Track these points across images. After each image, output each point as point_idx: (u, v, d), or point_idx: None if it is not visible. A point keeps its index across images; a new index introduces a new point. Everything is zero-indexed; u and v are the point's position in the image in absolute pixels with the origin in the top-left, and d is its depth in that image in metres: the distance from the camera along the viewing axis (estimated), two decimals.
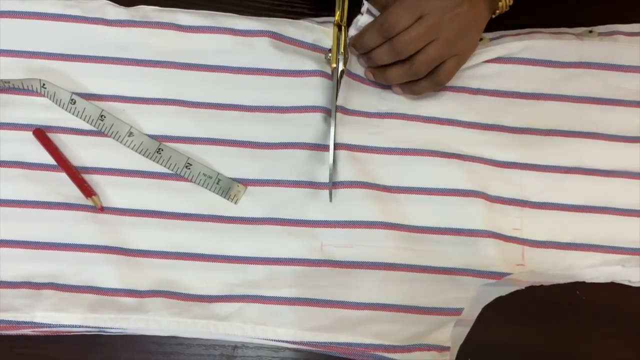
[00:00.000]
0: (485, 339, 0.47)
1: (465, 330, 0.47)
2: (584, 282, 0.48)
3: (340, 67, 0.47)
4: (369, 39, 0.47)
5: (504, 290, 0.48)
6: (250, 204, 0.49)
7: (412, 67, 0.46)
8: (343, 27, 0.47)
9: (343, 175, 0.49)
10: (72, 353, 0.47)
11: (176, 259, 0.48)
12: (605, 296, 0.48)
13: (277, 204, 0.49)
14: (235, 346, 0.47)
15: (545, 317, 0.48)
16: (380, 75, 0.49)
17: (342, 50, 0.47)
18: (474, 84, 0.52)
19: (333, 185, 0.48)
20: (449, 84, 0.51)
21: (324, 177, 0.48)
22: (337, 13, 0.47)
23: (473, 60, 0.51)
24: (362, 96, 0.51)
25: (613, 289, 0.48)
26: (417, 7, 0.44)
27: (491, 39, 0.52)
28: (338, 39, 0.47)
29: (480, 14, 0.47)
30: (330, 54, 0.48)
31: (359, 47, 0.48)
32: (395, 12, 0.45)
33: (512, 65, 0.51)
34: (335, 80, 0.47)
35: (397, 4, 0.45)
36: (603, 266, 0.48)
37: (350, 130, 0.50)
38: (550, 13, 0.54)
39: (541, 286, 0.48)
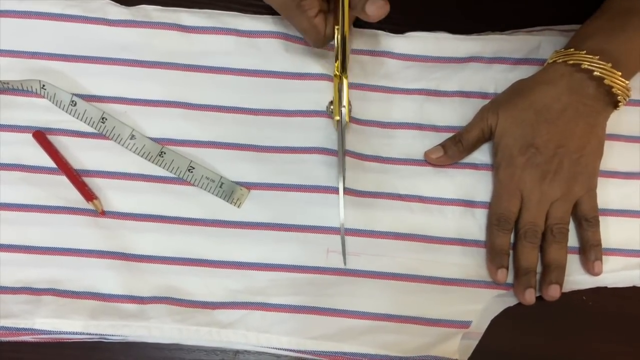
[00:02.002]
0: (490, 346, 0.46)
1: (473, 343, 0.45)
2: (589, 289, 0.47)
3: (344, 120, 0.45)
4: (500, 242, 0.46)
5: (513, 301, 0.46)
6: (254, 208, 0.47)
7: (556, 236, 0.45)
8: (344, 77, 0.45)
9: (354, 184, 0.48)
10: (70, 358, 0.46)
11: (178, 264, 0.46)
12: (612, 302, 0.47)
13: (281, 208, 0.47)
14: (237, 352, 0.46)
15: (551, 323, 0.46)
16: (557, 274, 0.45)
17: (344, 103, 0.45)
18: (490, 88, 0.50)
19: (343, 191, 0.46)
20: (465, 89, 0.50)
21: (331, 182, 0.47)
22: (337, 62, 0.45)
23: (487, 54, 0.51)
24: (375, 105, 0.50)
25: (620, 294, 0.47)
26: (514, 185, 0.46)
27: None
28: (339, 91, 0.45)
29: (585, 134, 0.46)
30: (332, 106, 0.46)
31: (499, 261, 0.46)
32: (499, 204, 0.46)
33: (527, 66, 0.50)
34: (340, 134, 0.44)
35: (496, 196, 0.47)
36: (624, 270, 0.47)
37: (363, 140, 0.49)
38: (559, 12, 0.53)
39: None
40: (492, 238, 0.46)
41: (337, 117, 0.45)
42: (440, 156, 0.48)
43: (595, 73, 0.44)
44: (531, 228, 0.45)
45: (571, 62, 0.45)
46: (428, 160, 0.48)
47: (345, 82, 0.45)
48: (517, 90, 0.47)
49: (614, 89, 0.44)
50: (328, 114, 0.48)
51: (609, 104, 0.46)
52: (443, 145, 0.48)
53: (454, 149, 0.48)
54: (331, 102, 0.47)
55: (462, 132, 0.48)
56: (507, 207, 0.46)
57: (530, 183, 0.45)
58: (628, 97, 0.45)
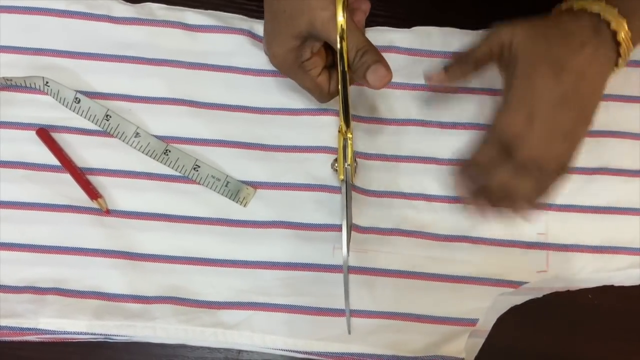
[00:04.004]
0: (496, 344, 0.46)
1: (480, 341, 0.45)
2: (596, 287, 0.47)
3: (349, 179, 0.43)
4: (484, 153, 0.40)
5: (519, 299, 0.46)
6: (260, 207, 0.47)
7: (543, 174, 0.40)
8: (348, 134, 0.43)
9: (359, 183, 0.47)
10: (73, 356, 0.45)
11: (184, 263, 0.46)
12: (618, 301, 0.47)
13: (288, 206, 0.47)
14: (240, 350, 0.46)
15: (557, 321, 0.46)
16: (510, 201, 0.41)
17: (349, 161, 0.43)
18: (498, 84, 0.49)
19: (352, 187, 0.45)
20: (472, 85, 0.49)
21: (337, 182, 0.47)
22: (341, 118, 0.43)
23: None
24: (379, 101, 0.49)
25: (626, 293, 0.47)
26: (525, 103, 0.39)
27: None
28: (344, 148, 0.43)
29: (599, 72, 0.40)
30: (336, 164, 0.45)
31: (476, 170, 0.41)
32: (505, 118, 0.40)
33: None
34: (344, 193, 0.42)
35: (504, 109, 0.40)
36: (631, 268, 0.47)
37: (367, 138, 0.49)
38: None
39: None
40: (477, 153, 0.41)
41: (342, 177, 0.44)
42: (441, 74, 0.43)
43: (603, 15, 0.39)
44: (531, 161, 0.40)
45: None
46: (429, 84, 0.44)
47: (349, 139, 0.43)
48: (537, 18, 0.42)
49: (618, 37, 0.39)
50: (332, 171, 0.47)
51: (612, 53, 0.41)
52: (445, 64, 0.43)
53: (455, 67, 0.43)
54: (336, 160, 0.46)
55: (468, 48, 0.43)
56: (512, 122, 0.39)
57: (542, 94, 0.39)
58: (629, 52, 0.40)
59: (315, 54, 0.42)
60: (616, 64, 0.41)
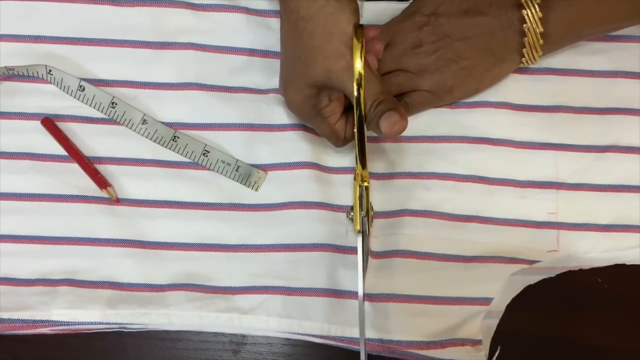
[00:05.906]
0: (504, 328, 0.45)
1: (495, 322, 0.45)
2: (605, 271, 0.46)
3: (366, 230, 0.42)
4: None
5: (532, 279, 0.46)
6: (272, 189, 0.47)
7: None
8: (365, 183, 0.42)
9: (369, 167, 0.47)
10: (76, 339, 0.45)
11: (197, 250, 0.46)
12: (627, 284, 0.47)
13: (299, 186, 0.46)
14: (245, 334, 0.45)
15: (565, 305, 0.46)
16: None
17: (364, 210, 0.42)
18: None
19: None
20: None
21: (348, 163, 0.47)
22: (358, 164, 0.41)
23: None
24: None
25: (636, 276, 0.47)
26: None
27: None
28: (361, 197, 0.42)
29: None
30: (352, 213, 0.44)
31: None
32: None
33: None
34: (361, 247, 0.41)
35: None
36: None
37: None
38: None
39: (562, 274, 0.46)
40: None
41: (358, 228, 0.42)
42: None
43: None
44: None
45: None
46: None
47: (366, 188, 0.42)
48: None
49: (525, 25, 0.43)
50: (347, 220, 0.46)
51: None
52: None
53: None
54: (351, 208, 0.45)
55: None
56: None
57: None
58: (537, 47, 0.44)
59: (333, 100, 0.42)
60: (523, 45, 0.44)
